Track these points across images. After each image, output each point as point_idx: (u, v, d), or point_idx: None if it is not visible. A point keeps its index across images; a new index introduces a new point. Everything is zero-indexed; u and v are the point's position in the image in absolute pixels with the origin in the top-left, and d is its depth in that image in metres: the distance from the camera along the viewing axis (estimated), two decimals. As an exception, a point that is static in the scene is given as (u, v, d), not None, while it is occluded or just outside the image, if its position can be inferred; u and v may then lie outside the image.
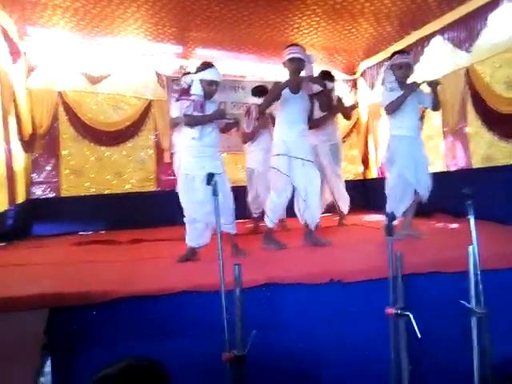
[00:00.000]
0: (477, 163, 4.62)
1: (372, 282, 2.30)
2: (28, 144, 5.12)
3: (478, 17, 4.42)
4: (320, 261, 2.87)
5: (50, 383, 2.01)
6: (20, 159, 4.96)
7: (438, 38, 5.03)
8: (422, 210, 5.14)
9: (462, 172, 4.82)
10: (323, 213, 4.62)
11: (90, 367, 1.91)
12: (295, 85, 3.30)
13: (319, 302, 2.27)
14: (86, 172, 5.71)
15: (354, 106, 5.17)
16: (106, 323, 2.06)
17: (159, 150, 5.99)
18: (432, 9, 4.68)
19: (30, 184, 5.36)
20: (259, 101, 4.23)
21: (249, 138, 4.47)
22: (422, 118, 5.39)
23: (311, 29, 5.18)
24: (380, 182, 6.52)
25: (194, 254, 3.05)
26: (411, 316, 1.84)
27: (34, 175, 5.44)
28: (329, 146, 4.57)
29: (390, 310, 1.92)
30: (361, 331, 2.27)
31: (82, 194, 5.64)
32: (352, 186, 6.92)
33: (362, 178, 7.10)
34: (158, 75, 6.03)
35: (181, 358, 2.05)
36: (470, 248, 1.90)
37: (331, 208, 5.01)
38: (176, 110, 3.12)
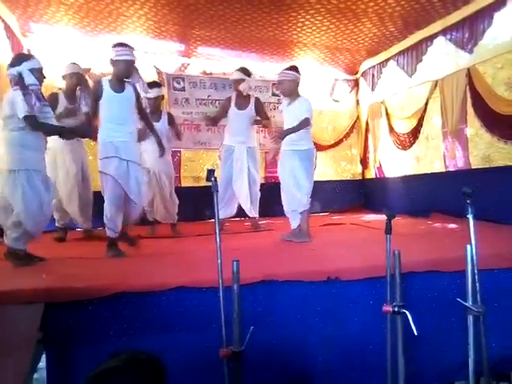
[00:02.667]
0: (476, 164, 4.63)
1: (369, 279, 2.31)
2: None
3: (480, 17, 4.42)
4: (317, 258, 2.88)
5: (45, 378, 2.02)
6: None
7: (441, 39, 5.03)
8: (421, 210, 5.20)
9: (461, 172, 4.83)
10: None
11: (85, 362, 1.95)
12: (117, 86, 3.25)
13: (316, 299, 2.28)
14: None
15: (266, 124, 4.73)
16: (102, 319, 2.06)
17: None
18: (436, 9, 4.68)
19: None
20: (151, 94, 4.21)
21: (140, 136, 3.85)
22: (422, 118, 5.43)
23: (314, 28, 5.18)
24: (378, 181, 6.57)
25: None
26: (408, 314, 1.85)
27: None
28: (246, 149, 4.44)
29: (387, 308, 1.93)
30: (358, 328, 2.29)
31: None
32: (350, 186, 6.98)
33: (360, 178, 7.10)
34: (159, 73, 6.04)
35: (178, 354, 2.06)
36: (468, 247, 1.91)
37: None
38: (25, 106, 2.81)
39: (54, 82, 5.45)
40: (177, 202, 4.49)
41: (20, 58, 3.01)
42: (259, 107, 4.53)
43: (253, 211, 4.55)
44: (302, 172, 3.60)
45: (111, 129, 3.19)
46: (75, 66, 4.24)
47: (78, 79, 4.21)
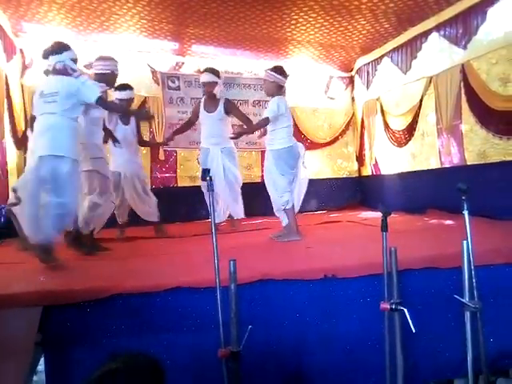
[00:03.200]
0: (471, 160, 4.64)
1: (366, 277, 2.31)
2: (21, 141, 5.08)
3: (474, 13, 4.43)
4: (314, 256, 2.88)
5: (44, 381, 2.01)
6: (12, 157, 4.93)
7: (435, 35, 5.04)
8: (417, 206, 5.22)
9: (456, 169, 4.84)
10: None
11: (84, 364, 1.94)
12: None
13: (314, 297, 2.28)
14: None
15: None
16: (100, 320, 2.05)
17: (154, 148, 5.97)
18: (429, 5, 4.68)
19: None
20: (121, 95, 4.24)
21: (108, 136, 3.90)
22: (417, 115, 5.44)
23: (308, 25, 5.17)
24: (375, 179, 6.58)
25: None
26: (406, 311, 1.85)
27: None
28: (220, 150, 4.40)
29: (385, 305, 1.93)
30: (355, 326, 2.28)
31: (78, 192, 5.61)
32: (347, 184, 7.00)
33: (356, 175, 7.11)
34: (153, 72, 6.01)
35: (177, 355, 2.06)
36: (464, 243, 1.91)
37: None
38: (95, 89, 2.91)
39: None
40: (154, 198, 4.45)
41: (62, 47, 2.99)
42: (229, 108, 4.43)
43: (237, 210, 4.52)
44: (276, 171, 3.62)
45: None
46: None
47: None
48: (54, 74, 2.92)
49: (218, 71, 4.44)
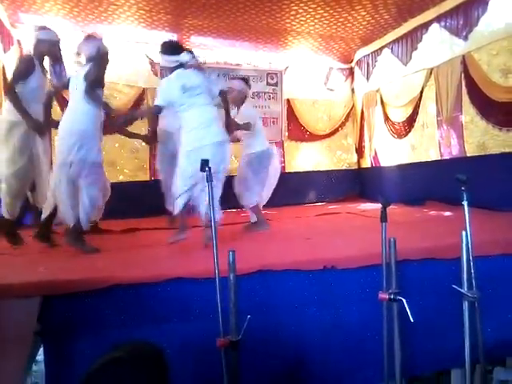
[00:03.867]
0: (471, 151, 4.64)
1: (365, 268, 2.31)
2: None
3: (475, 4, 4.40)
4: (313, 248, 2.88)
5: (43, 371, 2.02)
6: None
7: (435, 26, 5.00)
8: (416, 198, 5.22)
9: (456, 160, 4.84)
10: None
11: (83, 354, 1.95)
12: None
13: (313, 288, 2.29)
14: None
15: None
16: (100, 310, 2.05)
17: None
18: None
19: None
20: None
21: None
22: (417, 106, 5.42)
23: (308, 16, 5.13)
24: (374, 171, 6.57)
25: None
26: (404, 301, 1.86)
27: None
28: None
29: (383, 295, 1.94)
30: (354, 316, 2.30)
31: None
32: (346, 176, 6.99)
33: (356, 167, 7.11)
34: (152, 63, 5.97)
35: (176, 345, 2.06)
36: (464, 233, 1.91)
37: None
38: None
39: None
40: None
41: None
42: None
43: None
44: (250, 175, 3.79)
45: None
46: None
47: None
48: (189, 68, 3.15)
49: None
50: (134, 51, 5.85)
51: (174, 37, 5.79)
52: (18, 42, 5.19)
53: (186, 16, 5.14)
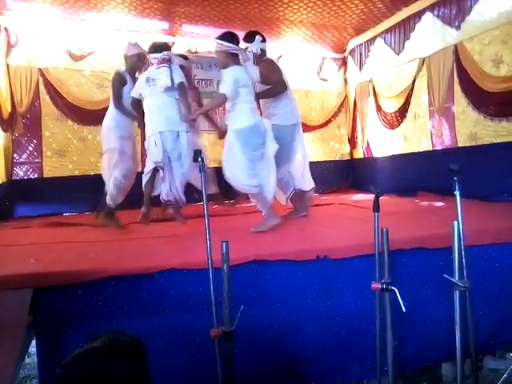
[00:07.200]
0: (462, 142, 4.66)
1: (358, 257, 2.33)
2: (7, 123, 4.97)
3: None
4: (307, 238, 2.89)
5: (36, 363, 2.01)
6: (0, 139, 4.84)
7: (428, 15, 4.98)
8: (409, 189, 5.25)
9: (448, 151, 4.86)
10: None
11: (75, 346, 1.93)
12: None
13: (306, 278, 2.30)
14: (69, 153, 5.59)
15: None
16: (92, 302, 2.04)
17: (145, 131, 5.87)
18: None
19: (11, 165, 5.22)
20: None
21: None
22: (409, 96, 5.42)
23: (301, 4, 5.07)
24: (367, 161, 6.59)
25: None
26: (396, 290, 1.87)
27: (15, 156, 5.30)
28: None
29: (376, 285, 1.95)
30: (348, 306, 2.31)
31: (66, 175, 5.54)
32: (339, 166, 6.99)
33: (348, 157, 7.11)
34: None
35: (169, 336, 2.07)
36: (455, 223, 1.92)
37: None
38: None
39: (35, 61, 5.33)
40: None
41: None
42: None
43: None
44: (239, 153, 3.08)
45: None
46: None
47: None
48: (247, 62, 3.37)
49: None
50: (125, 40, 5.74)
51: (165, 25, 5.71)
52: (6, 29, 5.08)
53: (177, 4, 5.05)
